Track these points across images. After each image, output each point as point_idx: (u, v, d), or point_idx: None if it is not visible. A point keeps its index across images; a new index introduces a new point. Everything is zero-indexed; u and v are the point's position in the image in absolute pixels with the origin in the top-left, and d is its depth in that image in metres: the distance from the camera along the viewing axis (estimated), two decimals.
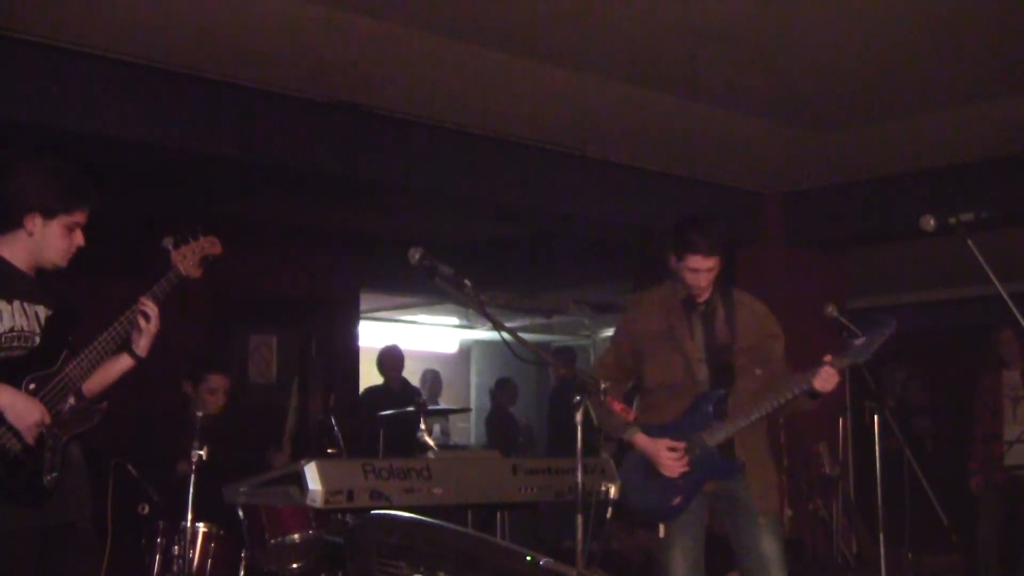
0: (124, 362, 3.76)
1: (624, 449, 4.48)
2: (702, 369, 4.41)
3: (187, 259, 3.78)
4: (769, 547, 4.36)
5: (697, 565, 4.40)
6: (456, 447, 11.04)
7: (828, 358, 4.28)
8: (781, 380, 4.41)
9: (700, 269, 4.37)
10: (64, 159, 3.69)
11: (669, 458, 4.34)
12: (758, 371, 4.45)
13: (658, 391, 4.48)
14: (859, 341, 4.30)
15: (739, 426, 4.35)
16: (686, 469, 4.34)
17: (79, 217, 3.62)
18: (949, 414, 9.63)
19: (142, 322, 3.68)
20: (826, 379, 4.26)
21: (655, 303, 4.57)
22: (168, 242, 3.78)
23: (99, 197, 3.67)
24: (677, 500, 4.35)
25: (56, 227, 3.58)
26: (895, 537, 6.17)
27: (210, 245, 3.84)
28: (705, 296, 4.47)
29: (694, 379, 4.41)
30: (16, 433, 3.43)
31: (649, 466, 4.38)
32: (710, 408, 4.37)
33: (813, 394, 4.31)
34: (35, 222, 3.56)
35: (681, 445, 4.34)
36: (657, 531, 4.36)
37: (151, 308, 3.68)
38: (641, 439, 4.40)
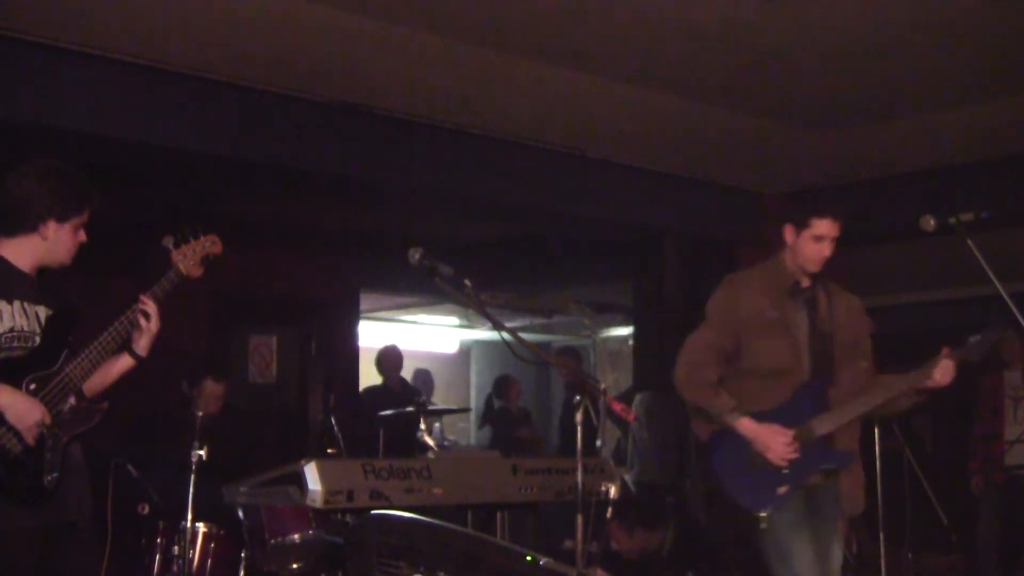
0: (124, 362, 3.76)
1: (719, 435, 4.26)
2: (806, 356, 4.24)
3: (187, 258, 3.78)
4: (835, 558, 4.26)
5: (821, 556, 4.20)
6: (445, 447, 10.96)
7: (947, 350, 4.18)
8: (888, 375, 4.27)
9: (826, 237, 4.24)
10: (64, 159, 3.69)
11: (781, 444, 4.11)
12: (864, 363, 4.31)
13: (758, 377, 4.25)
14: (974, 338, 4.23)
15: (850, 416, 4.19)
16: (796, 456, 4.13)
17: (86, 216, 3.65)
18: (949, 414, 9.62)
19: (142, 321, 3.68)
20: (945, 372, 4.15)
21: (757, 285, 4.35)
22: (168, 241, 3.78)
23: (100, 196, 3.68)
24: (783, 489, 4.14)
25: (68, 229, 3.61)
26: (895, 537, 6.18)
27: (211, 244, 3.85)
28: (810, 280, 4.31)
29: (799, 366, 4.22)
30: (16, 433, 3.43)
31: (751, 453, 4.17)
32: (815, 397, 4.20)
33: (919, 391, 4.21)
34: (50, 227, 3.57)
35: (791, 432, 4.13)
36: (759, 521, 4.13)
37: (151, 307, 3.69)
38: (748, 424, 4.16)
